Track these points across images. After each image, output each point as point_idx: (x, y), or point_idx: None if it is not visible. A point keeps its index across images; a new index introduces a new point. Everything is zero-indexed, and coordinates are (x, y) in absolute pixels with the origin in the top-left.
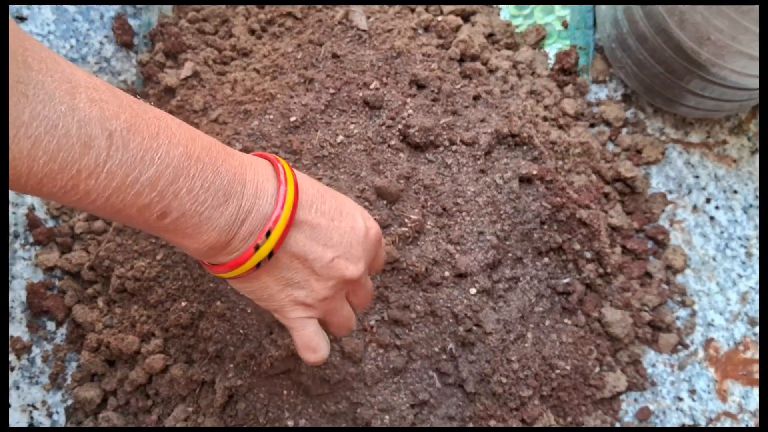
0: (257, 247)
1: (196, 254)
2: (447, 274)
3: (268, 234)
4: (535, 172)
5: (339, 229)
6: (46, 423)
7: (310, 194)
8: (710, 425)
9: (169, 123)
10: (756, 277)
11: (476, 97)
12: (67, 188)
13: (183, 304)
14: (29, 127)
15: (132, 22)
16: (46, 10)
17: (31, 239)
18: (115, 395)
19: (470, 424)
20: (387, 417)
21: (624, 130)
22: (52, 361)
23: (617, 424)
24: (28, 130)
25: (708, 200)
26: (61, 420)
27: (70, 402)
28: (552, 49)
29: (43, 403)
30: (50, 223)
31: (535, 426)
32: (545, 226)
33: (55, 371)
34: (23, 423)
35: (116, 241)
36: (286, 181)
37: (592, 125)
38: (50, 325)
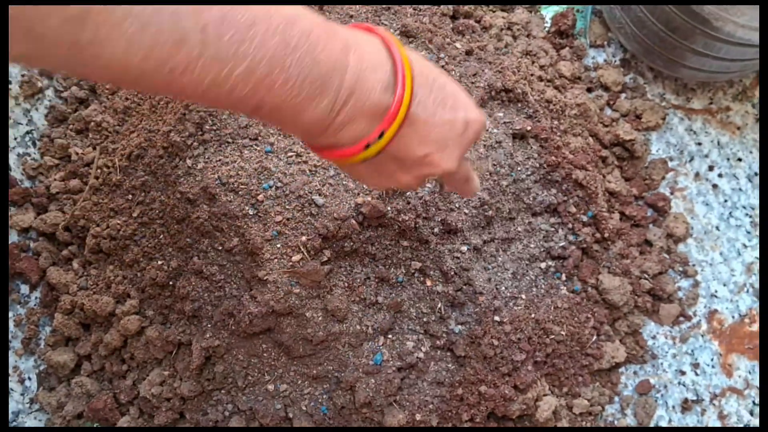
0: (367, 146)
1: (295, 135)
2: (436, 229)
3: (381, 135)
4: (529, 129)
5: (438, 124)
6: (18, 389)
7: (423, 88)
8: (715, 401)
9: (267, 7)
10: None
11: (469, 52)
12: (160, 87)
13: (159, 262)
14: (122, 26)
15: None
16: None
17: None
18: (90, 360)
19: (459, 390)
20: (372, 380)
21: (623, 96)
22: (24, 325)
23: (616, 398)
24: (121, 29)
25: (711, 168)
26: (33, 386)
27: (42, 367)
28: (548, 12)
29: (15, 368)
30: (26, 184)
31: (530, 394)
32: (539, 186)
33: (27, 336)
34: None
35: (92, 200)
36: (403, 76)
37: (589, 90)
38: (24, 288)
